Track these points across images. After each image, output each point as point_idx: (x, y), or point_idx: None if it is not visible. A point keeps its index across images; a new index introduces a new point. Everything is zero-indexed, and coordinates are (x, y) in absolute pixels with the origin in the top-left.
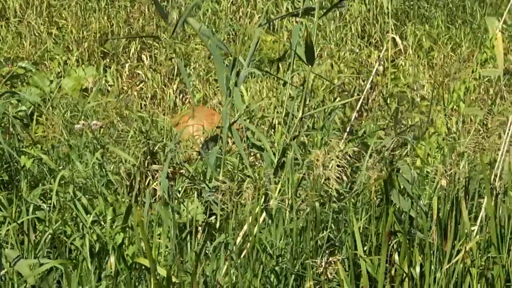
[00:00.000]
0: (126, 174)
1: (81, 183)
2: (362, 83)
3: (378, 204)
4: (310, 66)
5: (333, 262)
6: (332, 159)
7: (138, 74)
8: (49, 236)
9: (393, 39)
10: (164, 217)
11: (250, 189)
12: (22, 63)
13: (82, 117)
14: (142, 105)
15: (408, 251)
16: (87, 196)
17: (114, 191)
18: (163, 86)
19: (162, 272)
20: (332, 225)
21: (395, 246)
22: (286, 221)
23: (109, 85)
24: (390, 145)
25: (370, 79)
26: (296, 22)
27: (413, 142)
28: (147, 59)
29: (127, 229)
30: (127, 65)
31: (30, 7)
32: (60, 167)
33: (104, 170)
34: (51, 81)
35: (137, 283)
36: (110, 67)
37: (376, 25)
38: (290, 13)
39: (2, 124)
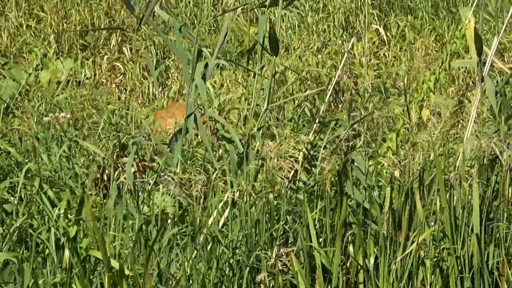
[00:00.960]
0: (97, 167)
1: (48, 176)
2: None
3: (333, 196)
4: (275, 56)
5: (284, 254)
6: (287, 151)
7: (118, 66)
8: (16, 229)
9: (377, 30)
10: (119, 210)
11: (203, 181)
12: None
13: (56, 109)
14: (123, 97)
15: (363, 242)
16: (54, 189)
17: (82, 184)
18: (141, 79)
19: (115, 264)
20: (288, 217)
21: (350, 238)
22: (242, 213)
23: (86, 78)
24: (344, 136)
25: (339, 69)
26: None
27: (366, 133)
28: (128, 51)
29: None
30: (105, 57)
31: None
32: (27, 160)
33: (71, 163)
34: (29, 74)
35: (91, 276)
36: (89, 60)
37: (360, 15)
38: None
39: None
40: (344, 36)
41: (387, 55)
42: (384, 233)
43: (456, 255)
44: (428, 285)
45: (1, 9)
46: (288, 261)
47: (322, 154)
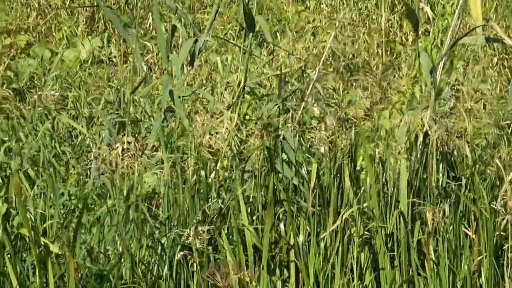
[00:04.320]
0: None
1: (31, 155)
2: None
3: (267, 173)
4: (250, 33)
5: (201, 231)
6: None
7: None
8: None
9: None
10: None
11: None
12: None
13: (72, 88)
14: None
15: (293, 220)
16: (36, 168)
17: (66, 162)
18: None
19: (43, 242)
20: (224, 194)
21: (281, 216)
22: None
23: (113, 57)
24: (271, 111)
25: (327, 46)
26: None
27: (294, 109)
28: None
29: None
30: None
31: None
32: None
33: (54, 141)
34: (56, 53)
35: (24, 254)
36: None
37: None
38: None
39: None
40: (384, 15)
41: (430, 32)
42: (311, 210)
43: (386, 233)
44: (355, 262)
45: None
46: (209, 239)
47: (252, 129)
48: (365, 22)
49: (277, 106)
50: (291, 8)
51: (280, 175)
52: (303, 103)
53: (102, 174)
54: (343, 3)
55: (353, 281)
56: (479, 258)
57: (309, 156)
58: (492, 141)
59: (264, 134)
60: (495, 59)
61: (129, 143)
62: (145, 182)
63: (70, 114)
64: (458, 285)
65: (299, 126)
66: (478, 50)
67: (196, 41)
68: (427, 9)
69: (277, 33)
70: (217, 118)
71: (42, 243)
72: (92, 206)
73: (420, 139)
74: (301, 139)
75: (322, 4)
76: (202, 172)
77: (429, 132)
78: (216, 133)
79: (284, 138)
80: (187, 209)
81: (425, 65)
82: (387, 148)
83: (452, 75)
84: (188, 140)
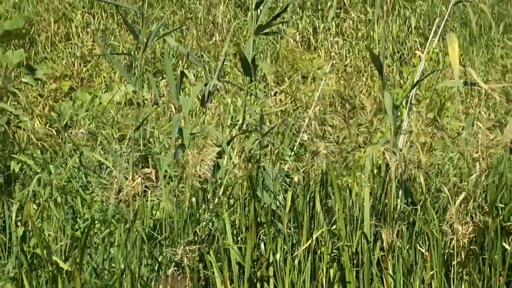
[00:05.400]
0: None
1: (61, 185)
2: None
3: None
4: (249, 78)
5: (189, 250)
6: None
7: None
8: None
9: (419, 57)
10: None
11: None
12: (25, 78)
13: (105, 127)
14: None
15: (271, 240)
16: (65, 196)
17: (91, 192)
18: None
19: (55, 260)
20: (214, 218)
21: (262, 236)
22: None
23: (145, 100)
24: (254, 144)
25: (320, 88)
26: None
27: (272, 144)
28: (190, 75)
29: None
30: (162, 81)
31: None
32: (39, 171)
33: (81, 172)
34: (96, 96)
35: (39, 272)
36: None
37: (408, 43)
38: None
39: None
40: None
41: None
42: (286, 231)
43: (352, 251)
44: (325, 277)
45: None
46: (197, 256)
47: (235, 161)
48: (367, 68)
49: (258, 141)
50: (304, 56)
51: (261, 201)
52: (292, 137)
53: (121, 201)
54: (349, 51)
55: None
56: (431, 273)
57: (286, 184)
58: (444, 171)
59: (246, 166)
60: (476, 100)
61: (148, 174)
62: (162, 208)
63: (103, 149)
64: None
65: (276, 158)
66: (461, 91)
67: (205, 85)
68: (421, 54)
69: (285, 78)
70: (206, 152)
71: (54, 261)
72: (113, 229)
73: (382, 169)
74: (279, 169)
75: (332, 52)
76: (194, 199)
77: (389, 163)
78: (217, 164)
79: (264, 169)
80: (180, 231)
81: (388, 105)
82: (354, 177)
83: (410, 113)
84: (185, 171)
